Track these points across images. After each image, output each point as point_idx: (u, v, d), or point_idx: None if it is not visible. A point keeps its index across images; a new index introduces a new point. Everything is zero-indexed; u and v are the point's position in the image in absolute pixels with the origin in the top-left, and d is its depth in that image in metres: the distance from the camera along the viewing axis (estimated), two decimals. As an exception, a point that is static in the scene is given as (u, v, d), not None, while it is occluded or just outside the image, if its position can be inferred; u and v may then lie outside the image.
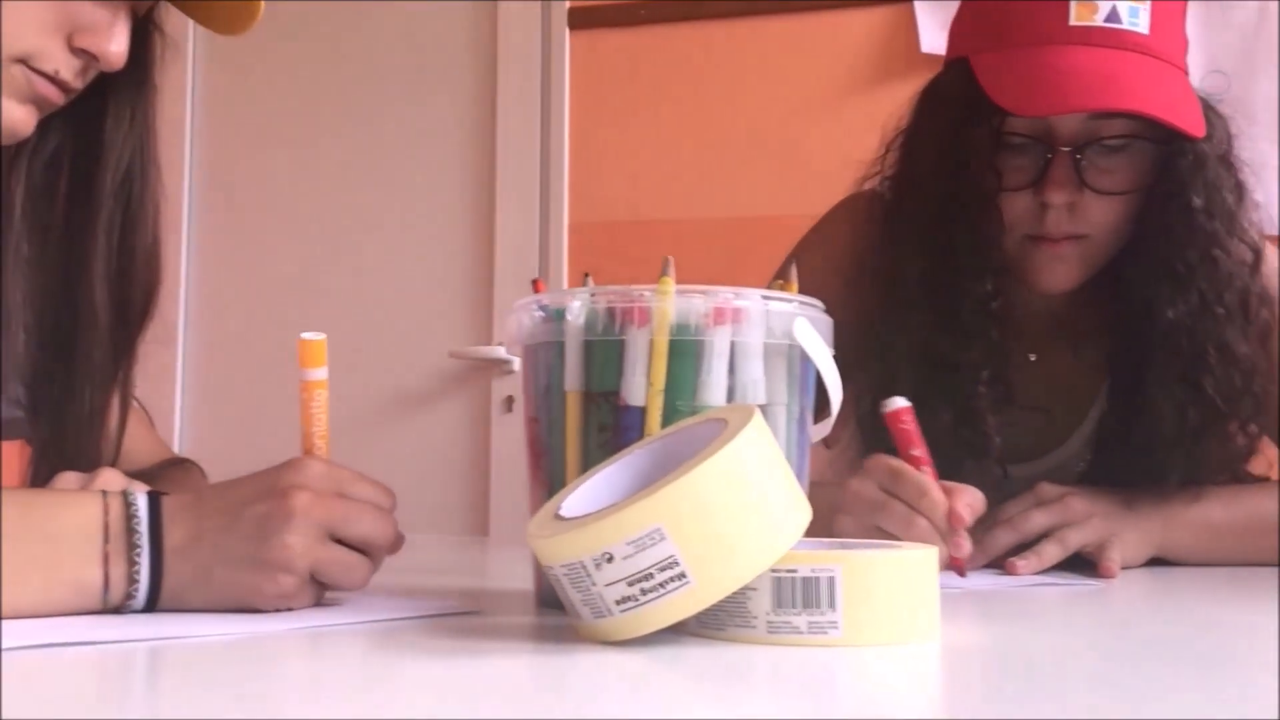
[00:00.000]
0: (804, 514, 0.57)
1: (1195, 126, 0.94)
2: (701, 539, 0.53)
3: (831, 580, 0.55)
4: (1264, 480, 1.06)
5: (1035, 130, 0.97)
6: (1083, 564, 0.94)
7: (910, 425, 0.85)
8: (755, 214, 2.19)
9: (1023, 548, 0.94)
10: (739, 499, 0.54)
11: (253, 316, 2.39)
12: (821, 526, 0.83)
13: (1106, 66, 0.93)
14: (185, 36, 2.44)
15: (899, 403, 0.85)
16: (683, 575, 0.53)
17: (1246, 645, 0.61)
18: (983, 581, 0.88)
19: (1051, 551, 0.92)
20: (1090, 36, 0.94)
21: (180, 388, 2.42)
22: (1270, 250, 1.05)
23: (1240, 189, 1.02)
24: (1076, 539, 0.93)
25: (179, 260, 2.42)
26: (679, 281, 0.65)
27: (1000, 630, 0.66)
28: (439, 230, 2.35)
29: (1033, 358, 1.10)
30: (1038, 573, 0.91)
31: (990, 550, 0.94)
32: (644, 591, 0.53)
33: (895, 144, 1.07)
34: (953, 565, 0.83)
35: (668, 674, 0.51)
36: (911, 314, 1.00)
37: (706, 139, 2.23)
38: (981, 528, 0.95)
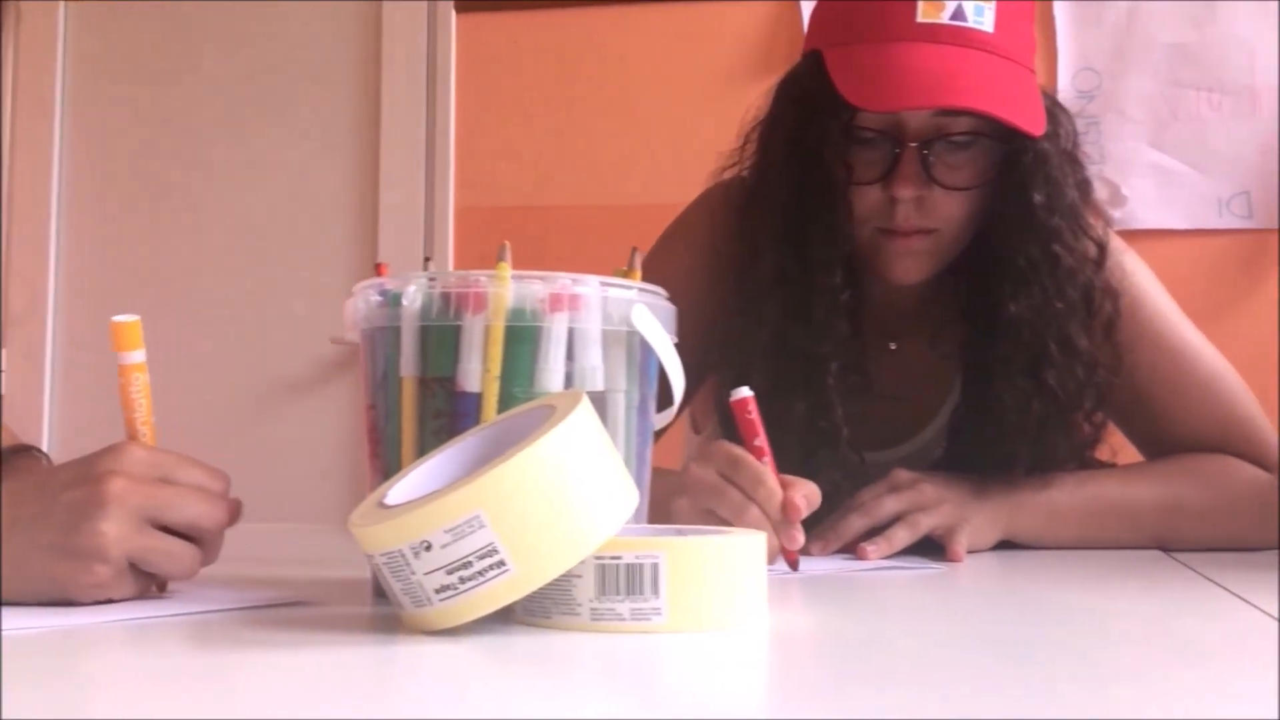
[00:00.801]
0: (630, 500, 0.57)
1: (1035, 125, 0.96)
2: (521, 526, 0.52)
3: (655, 567, 0.55)
4: (1109, 466, 1.09)
5: (885, 125, 0.98)
6: (936, 548, 0.96)
7: (754, 415, 0.86)
8: (646, 201, 2.19)
9: (876, 532, 0.95)
10: (560, 486, 0.53)
11: (130, 304, 2.32)
12: (658, 509, 0.84)
13: (951, 64, 0.95)
14: (57, 17, 2.36)
15: (743, 392, 0.85)
16: (502, 563, 0.52)
17: (1080, 629, 0.63)
18: (832, 565, 0.89)
19: (901, 536, 0.94)
20: (937, 34, 0.96)
21: (49, 375, 2.35)
22: (1116, 243, 1.08)
23: (1084, 185, 1.04)
24: (927, 523, 0.95)
25: (48, 244, 2.34)
26: (551, 267, 0.65)
27: (829, 615, 0.67)
28: (321, 214, 2.31)
29: (893, 347, 1.12)
30: (888, 557, 0.93)
31: (844, 535, 0.95)
32: (463, 580, 0.52)
33: (752, 135, 1.08)
34: (785, 558, 0.84)
35: (486, 663, 0.51)
36: (765, 305, 1.01)
37: (597, 124, 2.22)
38: (836, 514, 0.97)
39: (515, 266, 0.66)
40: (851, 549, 0.94)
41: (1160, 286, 1.11)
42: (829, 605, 0.71)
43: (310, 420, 2.29)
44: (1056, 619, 0.65)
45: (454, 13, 2.25)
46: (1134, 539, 1.03)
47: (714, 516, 0.83)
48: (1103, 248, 1.04)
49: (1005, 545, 1.02)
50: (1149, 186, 2.10)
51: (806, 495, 0.83)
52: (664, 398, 0.74)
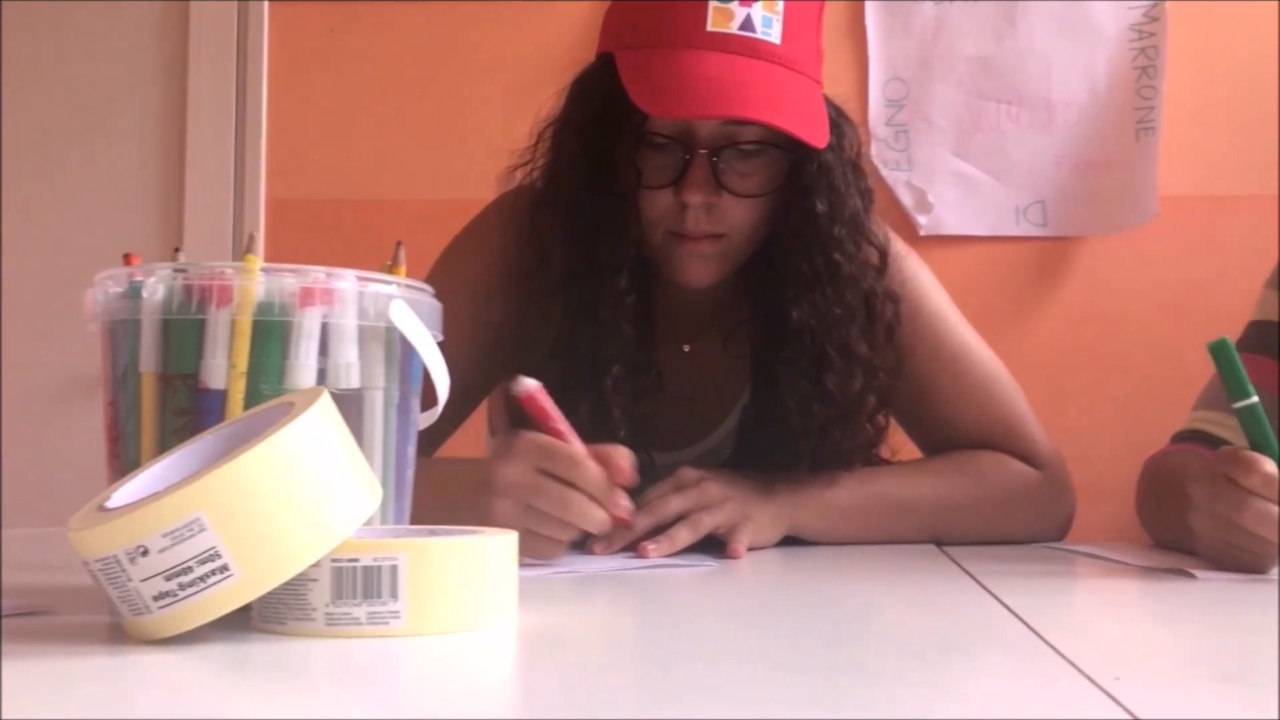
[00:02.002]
0: (371, 501, 0.56)
1: (819, 137, 0.98)
2: (245, 529, 0.50)
3: (394, 569, 0.54)
4: (891, 464, 1.13)
5: (676, 131, 0.99)
6: (722, 546, 0.97)
7: (545, 402, 0.86)
8: (465, 196, 2.16)
9: (661, 531, 0.96)
10: (288, 486, 0.52)
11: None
12: (472, 511, 0.83)
13: (740, 74, 0.96)
14: None
15: (528, 384, 0.85)
16: (225, 568, 0.50)
17: (839, 623, 0.64)
18: (613, 564, 0.89)
19: (683, 535, 0.94)
20: (726, 43, 0.97)
21: None
22: (898, 248, 1.11)
23: (867, 193, 1.07)
24: (710, 522, 0.96)
25: None
26: (365, 262, 0.63)
27: (589, 614, 0.67)
28: (123, 203, 2.20)
29: (686, 349, 1.12)
30: (669, 555, 0.93)
31: (628, 534, 0.95)
32: (183, 586, 0.50)
33: (544, 134, 1.07)
34: (616, 520, 0.86)
35: (213, 672, 0.49)
36: (553, 305, 1.00)
37: (417, 118, 2.18)
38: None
39: (324, 260, 0.64)
40: (635, 547, 0.94)
41: (940, 289, 1.15)
42: (592, 604, 0.71)
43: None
44: (819, 613, 0.67)
45: (266, 1, 2.18)
46: (911, 533, 1.06)
47: (535, 511, 0.83)
48: (884, 254, 1.07)
49: (790, 541, 1.04)
50: (953, 194, 2.17)
51: (624, 456, 0.85)
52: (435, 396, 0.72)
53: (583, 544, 0.93)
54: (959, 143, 2.17)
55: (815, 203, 1.01)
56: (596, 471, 0.83)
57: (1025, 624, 0.59)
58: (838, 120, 1.04)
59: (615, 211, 0.99)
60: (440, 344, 0.76)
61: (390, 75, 2.19)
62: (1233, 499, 0.82)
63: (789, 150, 1.00)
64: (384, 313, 0.65)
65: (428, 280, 1.13)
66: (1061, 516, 1.12)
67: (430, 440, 1.04)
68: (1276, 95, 2.04)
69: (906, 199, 2.17)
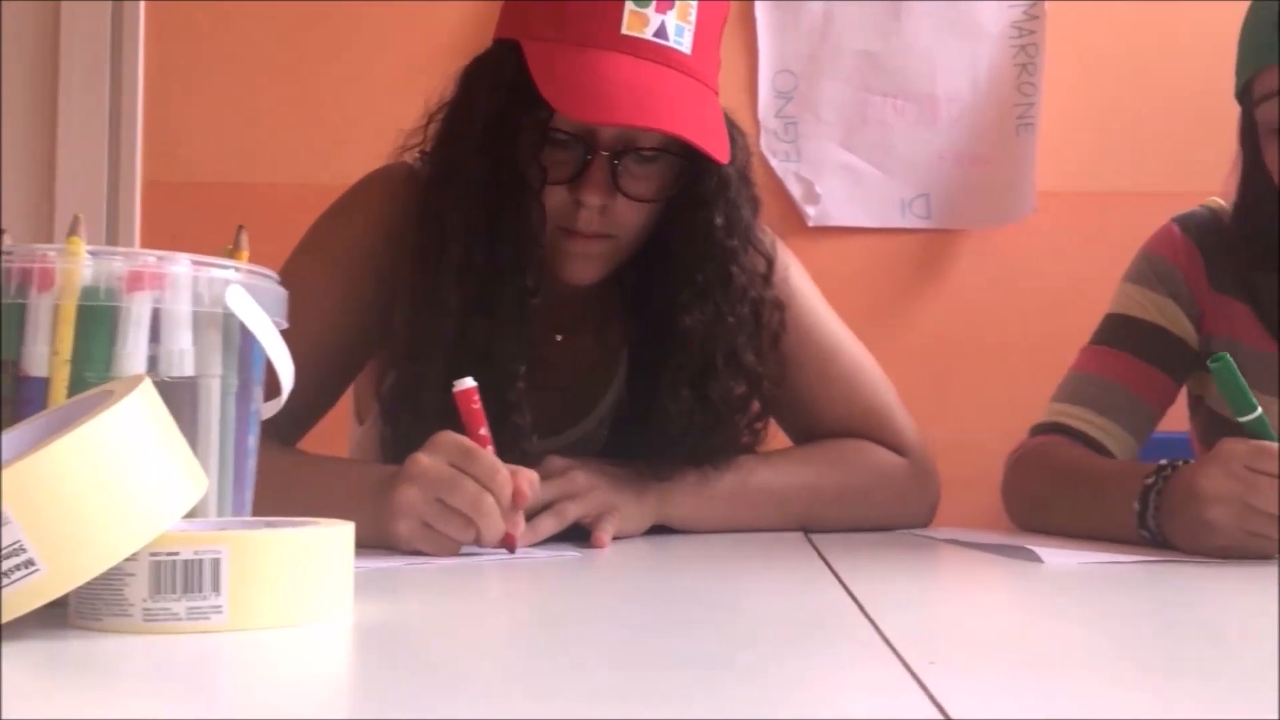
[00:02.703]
0: (193, 492, 0.54)
1: (722, 152, 0.98)
2: (52, 523, 0.48)
3: (216, 562, 0.52)
4: (766, 453, 1.13)
5: (579, 130, 0.98)
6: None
7: (478, 405, 0.86)
8: (349, 182, 2.12)
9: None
10: (99, 478, 0.50)
11: None
12: (377, 499, 0.83)
13: (650, 82, 0.95)
14: None
15: (468, 383, 0.85)
16: (30, 563, 0.48)
17: (690, 612, 0.64)
18: (477, 557, 0.88)
19: (547, 524, 0.94)
20: (639, 49, 0.96)
21: None
22: (782, 256, 1.11)
23: (755, 202, 1.07)
24: (575, 511, 0.96)
25: None
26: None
27: (431, 606, 0.66)
28: (-9, 183, 2.12)
29: (559, 338, 1.12)
30: (534, 544, 0.93)
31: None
32: (-15, 582, 0.48)
33: (437, 117, 1.05)
34: (505, 542, 0.85)
35: (20, 671, 0.46)
36: (449, 296, 0.98)
37: (301, 100, 2.14)
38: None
39: (204, 246, 0.62)
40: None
41: (809, 281, 1.16)
42: (440, 596, 0.70)
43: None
44: (666, 604, 0.67)
45: (144, -24, 2.11)
46: (780, 521, 1.07)
47: (442, 505, 0.82)
48: (770, 261, 1.07)
49: (660, 530, 1.04)
50: (840, 186, 2.20)
51: (531, 482, 0.86)
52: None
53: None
54: (846, 136, 2.19)
55: (713, 215, 1.02)
56: (509, 483, 0.83)
57: (863, 611, 0.60)
58: (731, 130, 1.04)
59: (518, 206, 0.98)
60: (305, 321, 0.75)
61: (274, 55, 2.14)
62: (1261, 487, 0.84)
63: (686, 159, 1.00)
64: (220, 298, 0.63)
65: (299, 250, 1.12)
66: (926, 503, 1.14)
67: (295, 427, 1.02)
68: (1150, 94, 2.10)
69: (795, 190, 2.19)
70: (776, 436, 1.17)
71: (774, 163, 2.19)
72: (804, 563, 0.84)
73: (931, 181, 2.18)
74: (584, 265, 1.02)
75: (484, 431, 0.86)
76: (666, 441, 1.02)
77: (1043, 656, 0.51)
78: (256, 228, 1.98)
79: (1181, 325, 1.17)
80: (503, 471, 0.83)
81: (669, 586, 0.75)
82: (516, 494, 0.84)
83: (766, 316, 1.06)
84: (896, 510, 1.11)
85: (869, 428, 1.12)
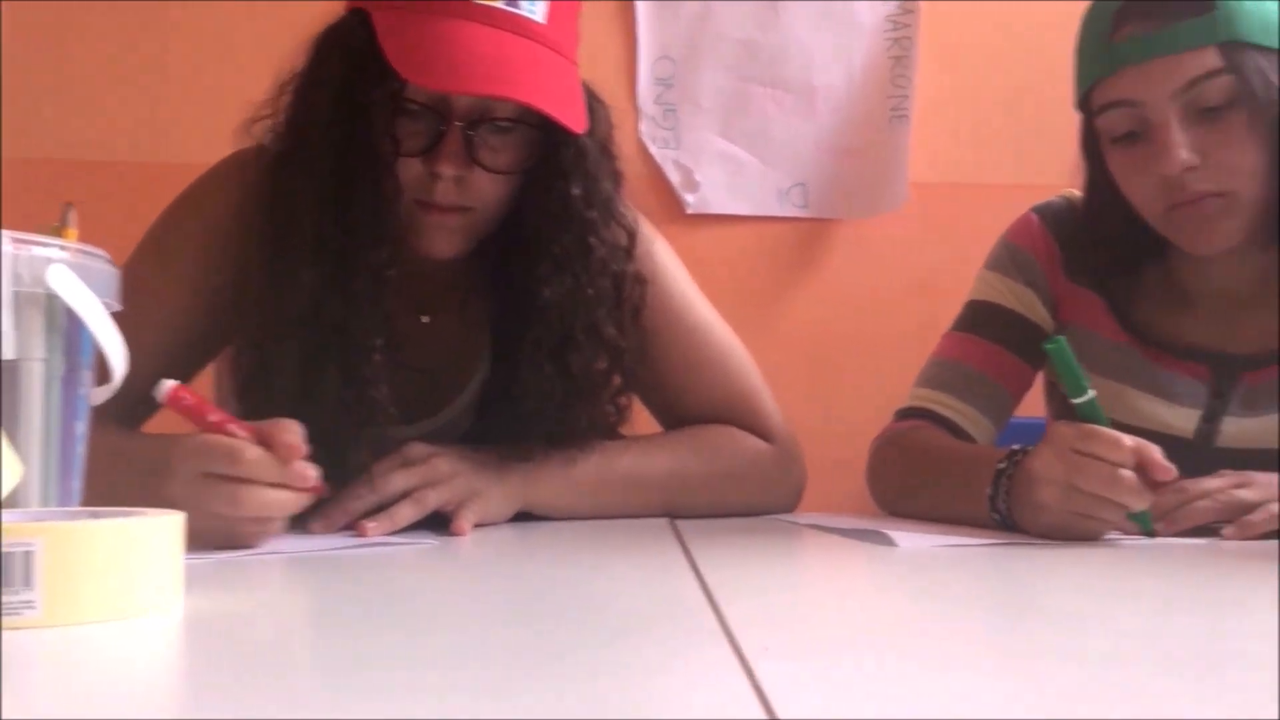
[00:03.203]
0: (6, 479, 0.51)
1: (578, 122, 0.97)
2: None
3: (29, 555, 0.50)
4: (627, 438, 1.13)
5: (432, 100, 0.96)
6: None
7: (191, 400, 0.81)
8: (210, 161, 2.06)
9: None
10: (-105, 467, 0.47)
11: None
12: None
13: (504, 51, 0.93)
14: None
15: (167, 385, 0.80)
16: None
17: (539, 598, 0.63)
18: (331, 544, 0.86)
19: (406, 512, 0.92)
20: (492, 17, 0.94)
21: None
22: (646, 230, 1.11)
23: (617, 175, 1.07)
24: (435, 499, 0.94)
25: None
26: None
27: (265, 598, 0.64)
28: None
29: (425, 319, 1.10)
30: (393, 533, 0.91)
31: (349, 511, 0.92)
32: None
33: (288, 88, 1.02)
34: (312, 491, 0.82)
35: None
36: (301, 273, 0.95)
37: (158, 78, 2.07)
38: (345, 490, 0.94)
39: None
40: (354, 525, 0.91)
41: (679, 265, 1.16)
42: (280, 587, 0.68)
43: None
44: (517, 593, 0.66)
45: (-3, -59, 2.01)
46: (646, 507, 1.07)
47: (221, 516, 0.79)
48: (633, 236, 1.07)
49: (526, 517, 1.03)
50: (719, 174, 2.21)
51: (289, 430, 0.81)
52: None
53: (302, 524, 0.90)
54: (725, 124, 2.21)
55: (570, 186, 1.00)
56: (259, 457, 0.79)
57: (710, 599, 0.60)
58: (591, 102, 1.03)
59: (371, 179, 0.95)
60: (149, 306, 0.72)
61: (131, 33, 2.07)
62: (1098, 471, 0.86)
63: (543, 129, 0.98)
64: (42, 278, 0.60)
65: (149, 237, 1.08)
66: (791, 488, 1.15)
67: (137, 413, 0.98)
68: (1018, 89, 2.15)
69: (674, 177, 2.20)
70: (646, 423, 1.17)
71: (653, 149, 2.19)
72: (662, 550, 0.84)
73: (808, 171, 2.21)
74: (443, 239, 1.01)
75: (214, 418, 0.81)
76: (530, 418, 1.01)
77: (878, 641, 0.51)
78: (117, 204, 1.90)
79: (1038, 312, 1.20)
80: (242, 452, 0.79)
81: (521, 575, 0.74)
82: (282, 451, 0.79)
83: (628, 290, 1.06)
84: (761, 496, 1.12)
85: (735, 413, 1.13)
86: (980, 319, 1.22)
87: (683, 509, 1.08)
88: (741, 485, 1.11)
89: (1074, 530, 0.88)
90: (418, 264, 1.05)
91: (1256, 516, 0.90)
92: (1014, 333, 1.20)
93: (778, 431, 1.14)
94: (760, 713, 0.37)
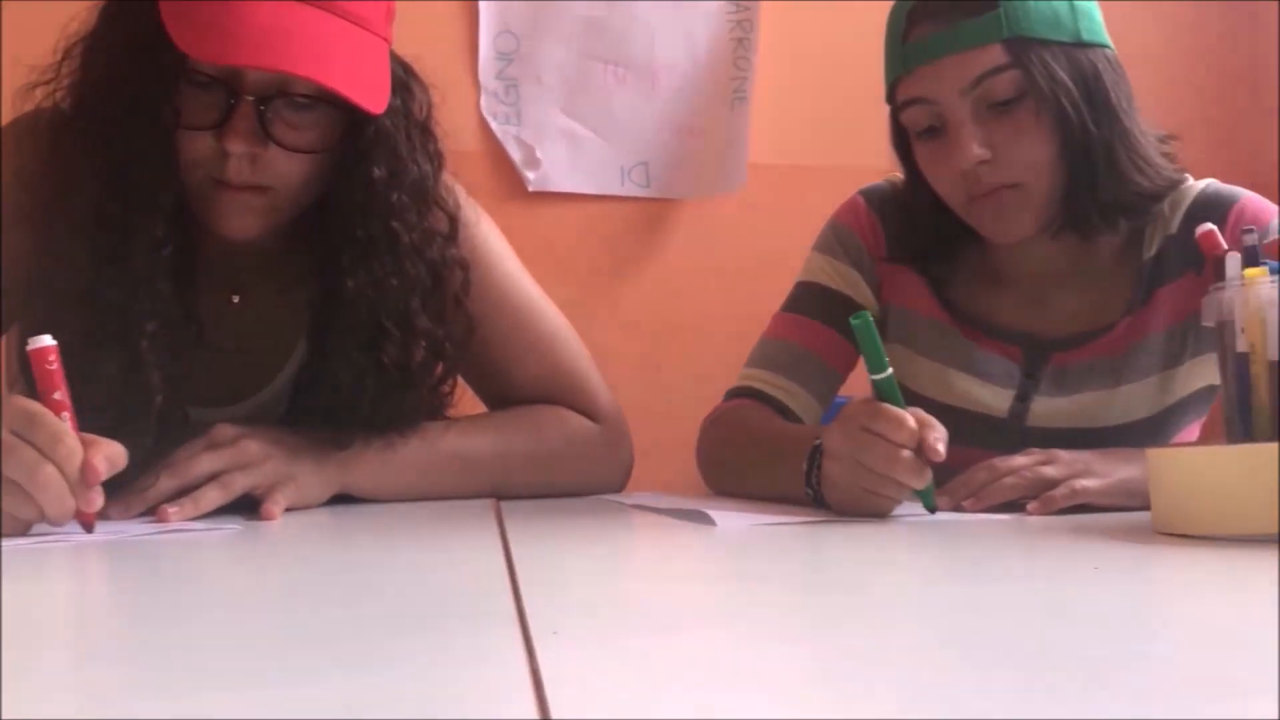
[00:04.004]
0: None
1: (375, 101, 0.93)
2: None
3: None
4: (456, 420, 1.11)
5: (222, 73, 0.91)
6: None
7: (55, 366, 0.78)
8: None
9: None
10: None
11: None
12: None
13: (293, 23, 0.89)
14: None
15: (43, 341, 0.77)
16: None
17: (339, 585, 0.60)
18: (131, 530, 0.82)
19: (212, 496, 0.89)
20: None
21: None
22: (469, 214, 1.08)
23: (437, 157, 1.03)
24: (244, 482, 0.91)
25: None
26: None
27: (49, 587, 0.60)
28: None
29: (235, 299, 1.05)
30: (197, 518, 0.87)
31: (149, 497, 0.88)
32: None
33: (73, 53, 0.96)
34: (80, 519, 0.77)
35: None
36: (78, 249, 0.90)
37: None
38: (147, 474, 0.90)
39: None
40: (155, 511, 0.87)
41: (505, 245, 1.14)
42: (64, 576, 0.64)
43: None
44: (316, 581, 0.63)
45: None
46: (470, 488, 1.05)
47: (9, 481, 0.74)
48: (454, 220, 1.04)
49: (345, 500, 1.00)
50: (561, 151, 2.19)
51: (109, 457, 0.77)
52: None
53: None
54: (568, 101, 2.19)
55: (372, 168, 0.97)
56: (77, 453, 0.75)
57: (513, 581, 0.58)
58: (405, 80, 0.99)
59: (151, 151, 0.90)
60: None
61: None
62: (880, 449, 0.86)
63: (346, 109, 0.94)
64: None
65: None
66: (618, 468, 1.15)
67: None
68: (854, 74, 2.18)
69: (516, 154, 2.17)
70: (473, 403, 1.15)
71: (494, 125, 2.16)
72: (478, 531, 0.82)
73: (651, 150, 2.21)
74: (240, 219, 0.96)
75: (59, 396, 0.78)
76: (344, 408, 0.98)
77: (669, 622, 0.51)
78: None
79: (863, 293, 1.22)
80: (67, 440, 0.75)
81: (320, 561, 0.71)
82: (87, 469, 0.75)
83: (448, 277, 1.02)
84: (588, 476, 1.11)
85: (563, 393, 1.12)
86: (808, 299, 1.23)
87: (509, 490, 1.07)
88: (568, 465, 1.10)
89: (861, 506, 0.89)
90: (226, 245, 1.00)
91: (1058, 492, 0.93)
92: (839, 313, 1.21)
93: (606, 411, 1.14)
94: (530, 697, 0.36)
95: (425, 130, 1.02)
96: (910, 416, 0.86)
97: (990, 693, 0.36)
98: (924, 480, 0.87)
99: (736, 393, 1.21)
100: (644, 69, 2.20)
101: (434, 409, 1.06)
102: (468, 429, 1.08)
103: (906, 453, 0.85)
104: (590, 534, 0.84)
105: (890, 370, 0.90)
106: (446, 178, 1.05)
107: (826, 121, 2.21)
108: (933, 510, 0.91)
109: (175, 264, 0.94)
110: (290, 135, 0.93)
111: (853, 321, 0.90)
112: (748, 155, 2.18)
